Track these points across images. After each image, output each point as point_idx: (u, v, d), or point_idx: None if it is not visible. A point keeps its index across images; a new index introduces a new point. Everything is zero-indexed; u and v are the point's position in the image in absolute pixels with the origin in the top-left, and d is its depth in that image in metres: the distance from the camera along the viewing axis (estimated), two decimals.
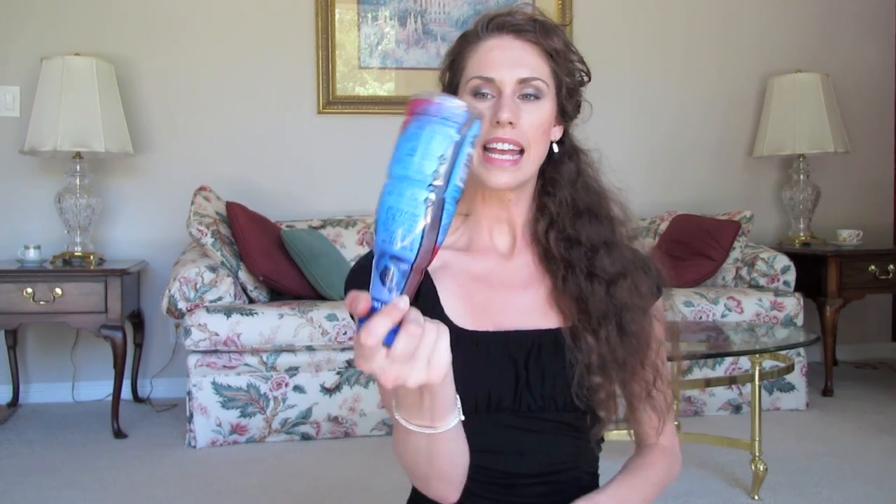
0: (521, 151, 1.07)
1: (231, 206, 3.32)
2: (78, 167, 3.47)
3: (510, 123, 1.06)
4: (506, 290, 1.13)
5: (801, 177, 4.18)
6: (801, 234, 4.17)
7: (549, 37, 1.10)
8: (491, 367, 1.07)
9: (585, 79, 1.16)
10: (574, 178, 1.16)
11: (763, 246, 3.81)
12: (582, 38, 4.15)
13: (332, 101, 3.95)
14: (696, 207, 4.13)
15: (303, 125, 3.95)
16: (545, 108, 1.09)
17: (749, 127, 4.36)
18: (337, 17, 3.95)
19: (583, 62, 1.15)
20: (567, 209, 1.14)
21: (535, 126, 1.08)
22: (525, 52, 1.09)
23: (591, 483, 1.17)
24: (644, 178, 4.20)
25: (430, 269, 1.10)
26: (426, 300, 1.09)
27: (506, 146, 1.06)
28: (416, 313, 0.78)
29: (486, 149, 1.07)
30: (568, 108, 1.14)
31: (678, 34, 4.28)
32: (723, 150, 4.34)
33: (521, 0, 1.18)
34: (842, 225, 4.26)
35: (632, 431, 1.23)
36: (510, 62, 1.08)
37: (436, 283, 1.11)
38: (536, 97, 1.09)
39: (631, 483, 1.14)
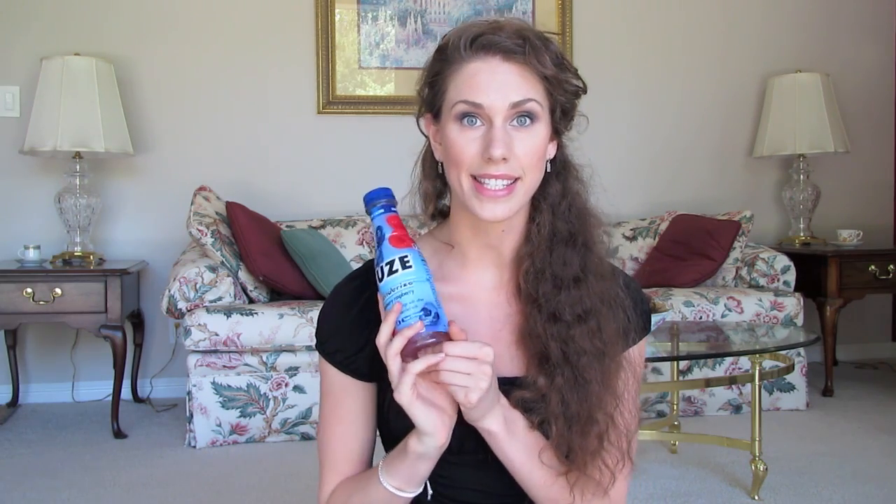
0: (516, 179, 1.01)
1: (231, 206, 3.32)
2: (78, 167, 3.47)
3: (504, 159, 0.99)
4: (482, 329, 1.09)
5: (801, 177, 4.18)
6: (801, 234, 4.17)
7: (542, 55, 1.00)
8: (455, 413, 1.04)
9: (582, 94, 1.07)
10: (558, 199, 1.08)
11: (763, 246, 3.81)
12: (582, 38, 4.16)
13: (332, 101, 3.95)
14: (696, 207, 4.13)
15: (303, 125, 3.95)
16: (540, 132, 1.02)
17: (749, 127, 4.36)
18: (337, 17, 3.95)
19: (578, 76, 1.06)
20: (545, 237, 1.07)
21: (530, 154, 1.01)
22: (514, 74, 1.00)
23: None
24: (644, 178, 4.20)
25: None
26: None
27: (499, 182, 1.00)
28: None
29: (476, 179, 1.01)
30: (561, 126, 1.07)
31: (678, 35, 4.28)
32: (723, 150, 4.34)
33: (508, 11, 1.12)
34: (842, 225, 4.26)
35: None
36: (499, 86, 0.99)
37: None
38: (531, 121, 1.01)
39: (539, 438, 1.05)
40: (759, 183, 4.39)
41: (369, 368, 1.09)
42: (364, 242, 3.67)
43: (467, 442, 1.06)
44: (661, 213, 4.05)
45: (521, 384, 1.05)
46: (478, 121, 1.01)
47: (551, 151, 1.08)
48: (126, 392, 3.55)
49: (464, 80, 1.01)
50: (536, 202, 1.08)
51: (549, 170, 1.08)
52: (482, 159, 0.99)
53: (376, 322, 1.03)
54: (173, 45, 3.82)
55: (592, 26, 4.17)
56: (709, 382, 2.72)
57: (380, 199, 1.02)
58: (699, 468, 2.69)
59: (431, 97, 1.06)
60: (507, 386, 1.05)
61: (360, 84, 4.00)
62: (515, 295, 1.10)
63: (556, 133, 1.07)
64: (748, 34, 4.35)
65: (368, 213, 1.03)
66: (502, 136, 0.99)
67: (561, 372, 1.03)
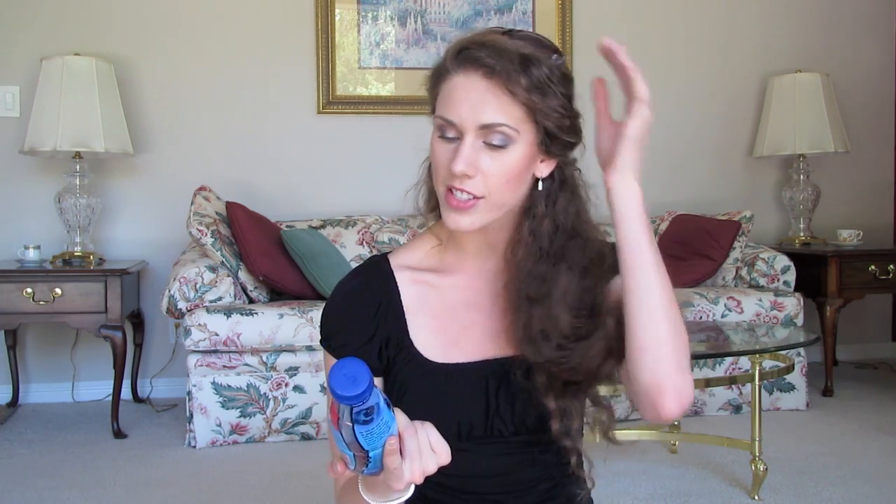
0: (480, 197, 1.01)
1: (231, 206, 3.32)
2: (78, 167, 3.47)
3: (467, 176, 0.99)
4: (484, 314, 1.11)
5: (801, 177, 4.18)
6: (801, 234, 4.17)
7: (515, 79, 0.98)
8: (461, 399, 1.06)
9: (574, 118, 1.05)
10: (540, 220, 1.07)
11: (763, 246, 3.81)
12: (582, 38, 4.15)
13: (332, 101, 3.95)
14: (696, 207, 4.13)
15: (303, 125, 3.95)
16: (514, 154, 1.00)
17: (749, 127, 4.36)
18: (337, 17, 3.95)
19: (569, 100, 1.04)
20: (523, 255, 1.08)
21: (497, 175, 1.00)
22: (491, 94, 0.98)
23: (571, 492, 1.16)
24: (644, 178, 4.14)
25: (404, 305, 1.11)
26: (396, 341, 1.10)
27: (462, 195, 1.01)
28: (404, 422, 0.92)
29: (449, 189, 1.02)
30: (553, 149, 1.04)
31: (678, 34, 4.28)
32: (723, 150, 4.34)
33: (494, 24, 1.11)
34: (842, 225, 4.26)
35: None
36: (473, 104, 0.98)
37: (408, 319, 1.11)
38: (503, 144, 0.99)
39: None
40: (759, 183, 4.39)
41: (375, 362, 1.11)
42: (364, 242, 3.66)
43: (476, 428, 1.08)
44: (660, 213, 4.05)
45: (515, 364, 1.07)
46: (453, 134, 1.01)
47: (544, 170, 1.07)
48: (126, 392, 3.54)
49: (446, 93, 1.02)
50: (530, 207, 1.09)
51: (540, 187, 1.07)
52: (448, 171, 1.01)
53: (381, 316, 1.09)
54: (173, 45, 3.82)
55: (592, 26, 4.16)
56: (709, 382, 2.72)
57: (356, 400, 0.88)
58: (699, 468, 2.69)
59: (431, 101, 1.08)
60: (514, 362, 1.08)
61: (361, 84, 4.00)
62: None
63: (549, 153, 1.05)
64: (748, 34, 4.34)
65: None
66: (467, 153, 0.99)
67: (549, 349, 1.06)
